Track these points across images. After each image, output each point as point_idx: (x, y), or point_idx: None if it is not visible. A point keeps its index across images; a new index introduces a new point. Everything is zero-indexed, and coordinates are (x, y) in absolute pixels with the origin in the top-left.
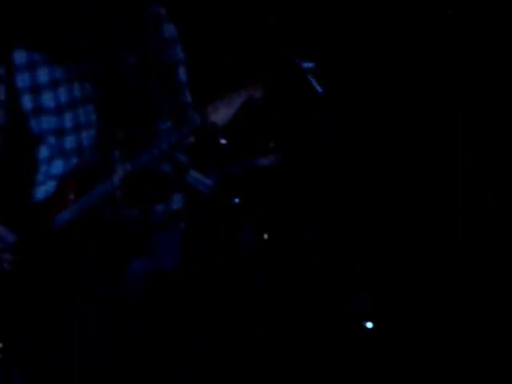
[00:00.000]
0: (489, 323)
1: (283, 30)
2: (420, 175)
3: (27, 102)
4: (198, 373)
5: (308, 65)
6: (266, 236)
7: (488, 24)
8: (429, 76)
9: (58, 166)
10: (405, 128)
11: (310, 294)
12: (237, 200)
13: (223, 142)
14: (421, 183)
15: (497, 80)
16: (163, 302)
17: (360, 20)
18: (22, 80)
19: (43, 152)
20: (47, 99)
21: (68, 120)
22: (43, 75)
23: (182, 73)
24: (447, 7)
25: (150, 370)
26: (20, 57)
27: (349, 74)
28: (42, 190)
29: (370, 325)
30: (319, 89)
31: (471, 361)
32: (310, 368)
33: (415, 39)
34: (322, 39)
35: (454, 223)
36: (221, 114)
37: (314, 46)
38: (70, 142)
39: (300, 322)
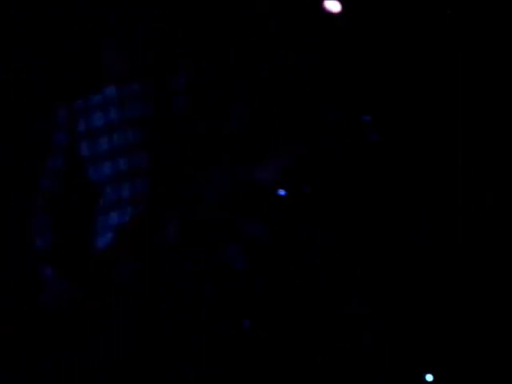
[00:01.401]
0: (489, 323)
1: (284, 32)
2: (420, 175)
3: (85, 147)
4: (198, 373)
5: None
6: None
7: (488, 24)
8: (429, 76)
9: (113, 217)
10: (404, 128)
11: (310, 294)
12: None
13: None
14: (421, 184)
15: (497, 80)
16: (163, 301)
17: (358, 19)
18: (80, 125)
19: (100, 202)
20: (102, 144)
21: (123, 165)
22: (98, 120)
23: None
24: (447, 7)
25: (150, 370)
26: (78, 102)
27: (347, 70)
28: (102, 241)
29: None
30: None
31: (471, 361)
32: (310, 368)
33: (415, 39)
34: (322, 39)
35: (454, 223)
36: (270, 171)
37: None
38: (125, 189)
39: (300, 323)
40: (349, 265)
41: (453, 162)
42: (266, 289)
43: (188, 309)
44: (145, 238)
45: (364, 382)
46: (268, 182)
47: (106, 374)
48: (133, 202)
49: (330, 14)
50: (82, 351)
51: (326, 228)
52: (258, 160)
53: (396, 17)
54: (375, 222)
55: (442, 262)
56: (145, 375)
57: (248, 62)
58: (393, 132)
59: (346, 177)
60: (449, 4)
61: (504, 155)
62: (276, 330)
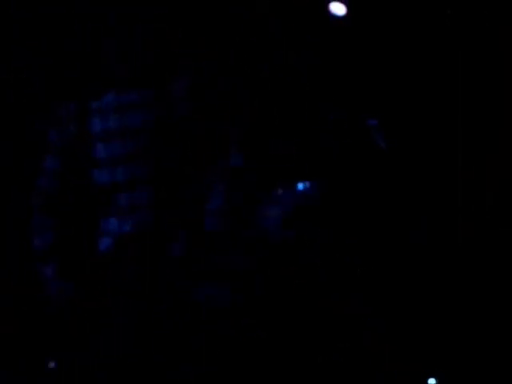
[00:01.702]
0: (489, 323)
1: (283, 31)
2: (420, 175)
3: (85, 149)
4: (198, 373)
5: (372, 122)
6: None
7: (488, 24)
8: (429, 76)
9: (113, 224)
10: (404, 128)
11: (310, 294)
12: None
13: None
14: (421, 184)
15: (497, 80)
16: (163, 301)
17: (358, 19)
18: (80, 127)
19: (100, 207)
20: (100, 150)
21: (120, 174)
22: (96, 125)
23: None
24: (447, 7)
25: (150, 370)
26: (79, 103)
27: (348, 70)
28: (103, 243)
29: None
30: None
31: (471, 361)
32: (310, 368)
33: (415, 39)
34: (322, 39)
35: (454, 223)
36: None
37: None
38: (123, 198)
39: (300, 323)
40: (349, 265)
41: (453, 162)
42: (266, 289)
43: (188, 309)
44: (149, 244)
45: (364, 382)
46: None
47: (106, 374)
48: (135, 208)
49: (333, 16)
50: (82, 351)
51: (326, 228)
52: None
53: (397, 18)
54: (375, 222)
55: (442, 262)
56: (145, 375)
57: (248, 62)
58: (393, 132)
59: (346, 177)
60: (449, 4)
61: (504, 155)
62: (276, 330)
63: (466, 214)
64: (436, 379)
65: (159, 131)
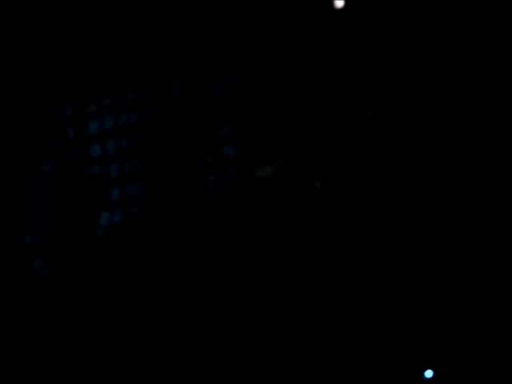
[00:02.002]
0: (489, 323)
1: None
2: (420, 175)
3: (75, 151)
4: (198, 373)
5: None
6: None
7: (488, 24)
8: (429, 76)
9: (104, 218)
10: (404, 128)
11: (310, 294)
12: None
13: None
14: (420, 183)
15: (497, 80)
16: (162, 301)
17: (357, 18)
18: (75, 128)
19: (91, 202)
20: (95, 150)
21: (113, 170)
22: (93, 127)
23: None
24: (447, 7)
25: (150, 370)
26: (75, 104)
27: (348, 69)
28: (98, 236)
29: (429, 373)
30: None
31: (471, 361)
32: (310, 368)
33: (415, 39)
34: (322, 38)
35: (454, 223)
36: (265, 171)
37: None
38: (114, 193)
39: (300, 323)
40: (348, 262)
41: (453, 162)
42: (265, 285)
43: (188, 305)
44: (142, 238)
45: (364, 381)
46: (268, 180)
47: (105, 373)
48: (123, 205)
49: (332, 11)
50: (82, 351)
51: (326, 227)
52: (257, 159)
53: (397, 15)
54: (375, 222)
55: (442, 262)
56: (145, 375)
57: (248, 62)
58: (393, 131)
59: (346, 176)
60: (449, 4)
61: (504, 155)
62: (276, 330)
63: (466, 213)
64: (433, 371)
65: (157, 130)
